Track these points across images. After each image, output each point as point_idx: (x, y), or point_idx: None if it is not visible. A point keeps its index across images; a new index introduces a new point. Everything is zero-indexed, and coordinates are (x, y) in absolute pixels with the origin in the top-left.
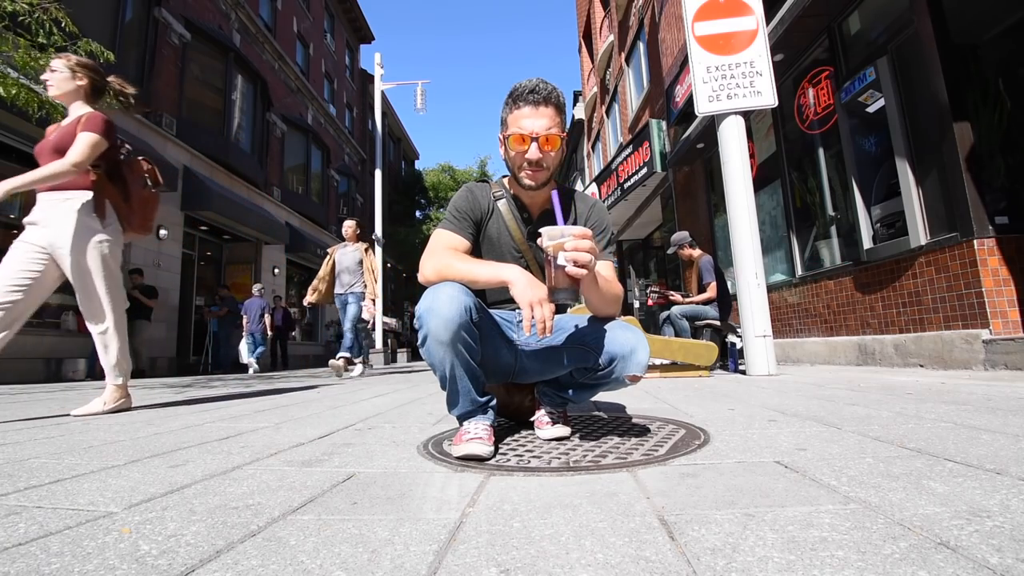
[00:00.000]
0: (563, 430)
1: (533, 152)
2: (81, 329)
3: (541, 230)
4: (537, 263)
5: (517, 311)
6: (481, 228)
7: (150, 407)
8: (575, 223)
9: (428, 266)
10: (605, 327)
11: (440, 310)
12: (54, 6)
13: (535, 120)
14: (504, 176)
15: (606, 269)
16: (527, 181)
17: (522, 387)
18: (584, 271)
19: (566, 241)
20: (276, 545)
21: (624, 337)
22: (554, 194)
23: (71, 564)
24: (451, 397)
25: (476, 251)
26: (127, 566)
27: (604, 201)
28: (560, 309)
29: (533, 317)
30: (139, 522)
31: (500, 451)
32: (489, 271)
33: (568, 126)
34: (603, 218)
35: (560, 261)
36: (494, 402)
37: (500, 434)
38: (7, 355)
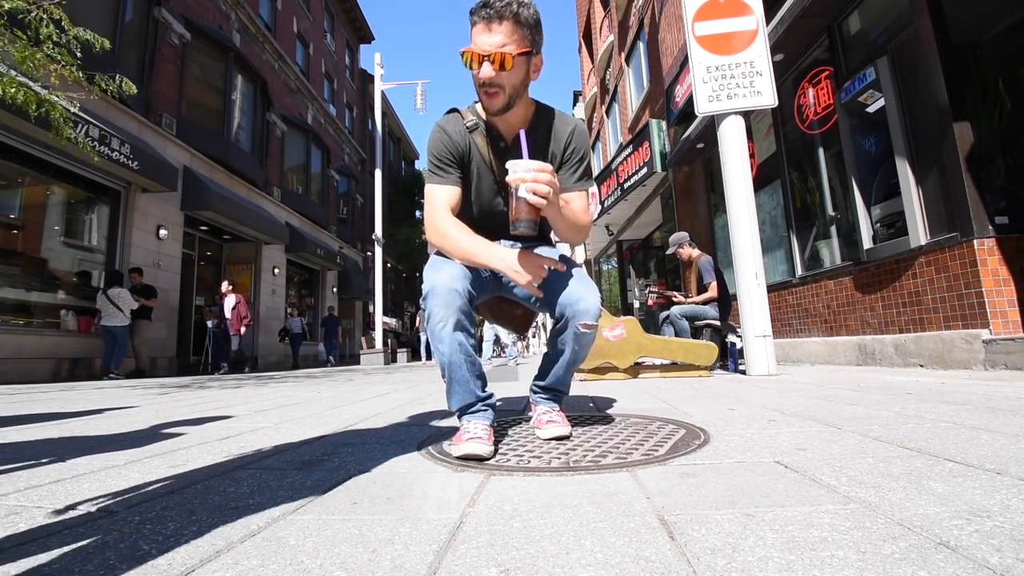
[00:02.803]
0: (563, 429)
1: (484, 72)
2: (82, 329)
3: (507, 164)
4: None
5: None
6: (463, 164)
7: (150, 407)
8: (555, 146)
9: (432, 232)
10: (561, 282)
11: (440, 289)
12: (52, 5)
13: (486, 37)
14: (477, 101)
15: (578, 200)
16: (485, 104)
17: (512, 300)
18: (543, 201)
19: (527, 175)
20: (276, 545)
21: (572, 288)
22: (521, 133)
23: (71, 564)
24: (449, 387)
25: (464, 185)
26: (127, 566)
27: (604, 201)
28: (525, 240)
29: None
30: (139, 522)
31: (500, 451)
32: (483, 256)
33: (540, 40)
34: (580, 145)
35: (521, 193)
36: (494, 400)
37: (500, 434)
38: (7, 355)
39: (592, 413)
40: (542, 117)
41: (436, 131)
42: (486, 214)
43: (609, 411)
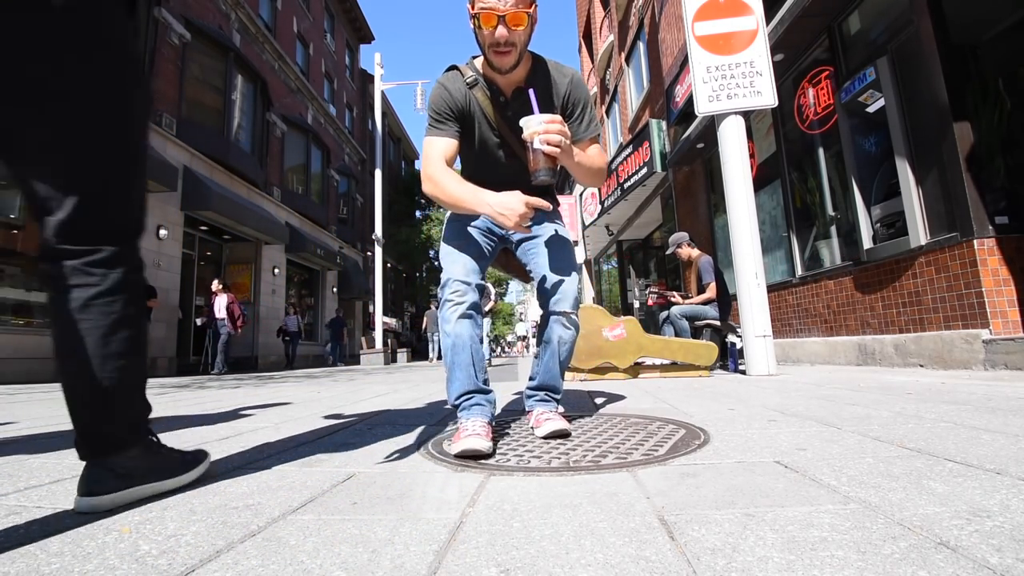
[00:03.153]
0: (561, 423)
1: (501, 32)
2: None
3: (521, 122)
4: (516, 143)
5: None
6: (463, 119)
7: None
8: (556, 98)
9: (426, 180)
10: (546, 267)
11: (453, 281)
12: None
13: None
14: (475, 57)
15: (591, 147)
16: (496, 62)
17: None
18: (557, 150)
19: (540, 127)
20: (276, 545)
21: (552, 276)
22: (531, 92)
23: (71, 564)
24: (450, 373)
25: (463, 139)
26: (127, 566)
27: (604, 201)
28: (541, 191)
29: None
30: (139, 522)
31: (500, 451)
32: (471, 202)
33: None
34: (581, 95)
35: (536, 145)
36: (493, 396)
37: (500, 434)
38: (7, 355)
39: (592, 413)
40: (539, 70)
41: (436, 87)
42: (491, 168)
43: (609, 411)
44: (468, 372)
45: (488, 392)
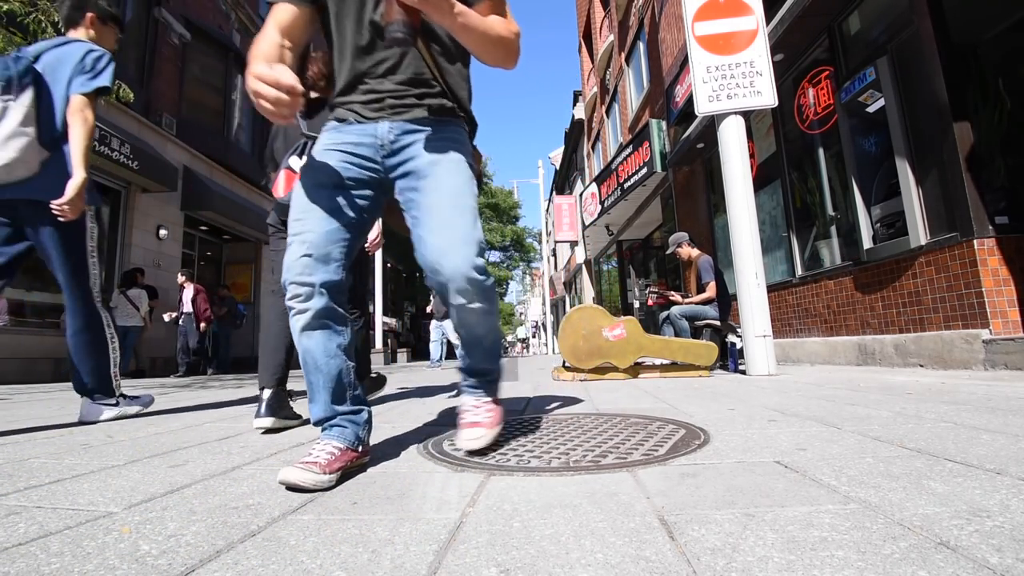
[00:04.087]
0: (480, 436)
1: None
2: None
3: None
4: None
5: (366, 123)
6: None
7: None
8: None
9: None
10: (427, 225)
11: (286, 280)
12: (51, 7)
13: None
14: None
15: (494, 17)
16: None
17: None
18: None
19: None
20: (276, 545)
21: (433, 241)
22: None
23: (71, 564)
24: (309, 392)
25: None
26: (127, 566)
27: (604, 200)
28: (406, 68)
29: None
30: (139, 522)
31: (500, 451)
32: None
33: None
34: None
35: None
36: (365, 415)
37: (499, 434)
38: (7, 355)
39: (592, 413)
40: None
41: None
42: (356, 32)
43: (609, 411)
44: (324, 397)
45: (356, 413)
